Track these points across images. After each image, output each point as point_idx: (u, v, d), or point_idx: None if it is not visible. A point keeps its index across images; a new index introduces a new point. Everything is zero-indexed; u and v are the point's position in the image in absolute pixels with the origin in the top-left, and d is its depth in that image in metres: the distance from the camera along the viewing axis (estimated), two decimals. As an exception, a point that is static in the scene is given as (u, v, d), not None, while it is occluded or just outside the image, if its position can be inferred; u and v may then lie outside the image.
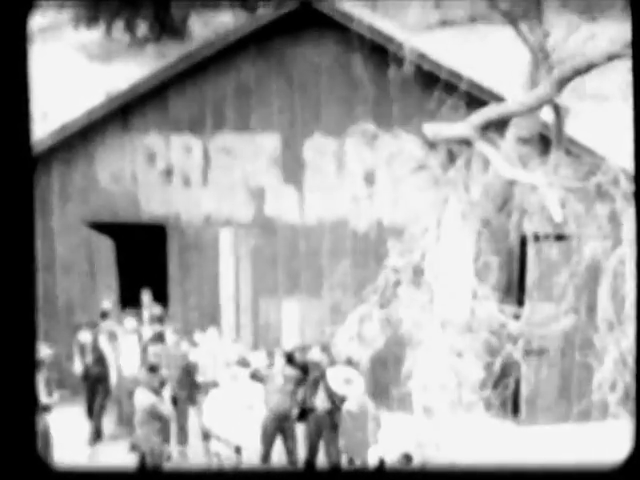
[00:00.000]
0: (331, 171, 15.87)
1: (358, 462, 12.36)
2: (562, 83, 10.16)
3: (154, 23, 26.57)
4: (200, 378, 14.44)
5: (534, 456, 13.40)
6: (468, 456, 10.72)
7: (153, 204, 16.58)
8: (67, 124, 16.51)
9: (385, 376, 14.91)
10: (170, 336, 14.76)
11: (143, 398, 12.63)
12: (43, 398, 12.82)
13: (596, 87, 15.98)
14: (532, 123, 12.28)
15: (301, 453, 13.72)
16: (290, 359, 13.90)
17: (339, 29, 15.08)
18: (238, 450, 12.79)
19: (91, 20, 25.97)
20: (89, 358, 14.91)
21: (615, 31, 9.37)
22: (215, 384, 13.22)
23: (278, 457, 13.72)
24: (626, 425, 7.62)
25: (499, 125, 10.98)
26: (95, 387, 15.01)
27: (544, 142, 12.34)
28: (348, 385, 12.73)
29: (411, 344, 10.45)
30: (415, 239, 10.44)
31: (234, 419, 12.76)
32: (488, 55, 21.56)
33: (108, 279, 17.16)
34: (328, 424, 13.24)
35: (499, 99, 13.01)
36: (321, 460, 13.62)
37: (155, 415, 12.57)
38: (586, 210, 9.99)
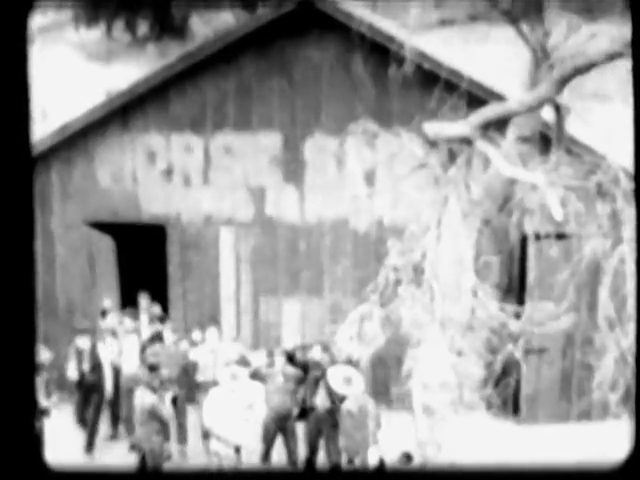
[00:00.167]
0: (331, 170, 15.87)
1: (358, 462, 12.36)
2: (562, 82, 10.15)
3: (154, 23, 26.56)
4: (200, 377, 14.44)
5: (534, 455, 13.40)
6: (469, 455, 10.72)
7: (153, 203, 16.58)
8: (67, 124, 16.50)
9: (385, 375, 14.91)
10: (168, 335, 14.77)
11: (144, 398, 12.62)
12: (41, 401, 12.81)
13: (596, 86, 15.99)
14: (533, 122, 12.30)
15: (301, 452, 13.73)
16: (290, 358, 13.90)
17: (339, 28, 15.07)
18: (238, 450, 12.79)
19: (91, 20, 25.95)
20: (86, 365, 14.60)
21: (615, 31, 9.37)
22: (215, 383, 13.22)
23: (278, 456, 13.73)
24: (626, 424, 7.62)
25: (500, 124, 10.97)
26: (89, 395, 14.69)
27: (545, 141, 12.35)
28: (348, 384, 12.73)
29: (411, 343, 10.45)
30: (415, 238, 10.44)
31: (234, 418, 12.76)
32: (489, 54, 21.57)
33: (108, 279, 17.17)
34: (328, 423, 13.24)
35: (500, 98, 13.00)
36: (321, 459, 13.63)
37: (155, 415, 12.58)
38: (587, 209, 9.97)
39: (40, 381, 12.75)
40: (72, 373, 14.69)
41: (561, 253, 13.20)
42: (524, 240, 14.76)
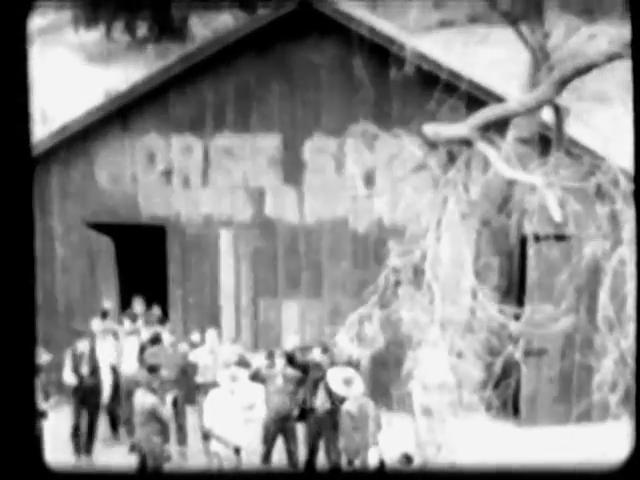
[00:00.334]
0: (331, 171, 15.87)
1: (358, 463, 12.36)
2: (562, 83, 10.16)
3: (154, 24, 26.57)
4: (200, 379, 14.44)
5: (534, 456, 13.39)
6: (468, 457, 10.70)
7: (153, 204, 16.58)
8: (67, 125, 16.50)
9: (385, 376, 14.90)
10: (167, 336, 14.76)
11: (144, 399, 12.62)
12: (39, 403, 12.76)
13: (596, 88, 15.99)
14: (532, 123, 12.32)
15: (302, 454, 13.72)
16: (290, 360, 13.90)
17: (339, 30, 15.07)
18: (238, 451, 12.78)
19: (91, 21, 25.96)
20: (85, 368, 14.21)
21: (615, 32, 9.38)
22: (215, 385, 13.22)
23: (278, 458, 13.72)
24: (626, 425, 7.61)
25: (499, 125, 10.98)
26: (87, 399, 14.32)
27: (544, 142, 12.35)
28: (348, 386, 12.72)
29: (411, 344, 10.45)
30: (415, 239, 10.44)
31: (234, 420, 12.76)
32: (488, 56, 21.57)
33: (108, 279, 17.17)
34: (328, 425, 13.24)
35: (499, 100, 13.01)
36: (321, 461, 13.62)
37: (155, 416, 12.57)
38: (586, 210, 9.99)
39: (38, 383, 12.68)
40: (69, 378, 14.25)
41: (560, 254, 13.21)
42: (523, 241, 14.75)
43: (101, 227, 16.94)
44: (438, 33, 23.83)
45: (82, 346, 14.28)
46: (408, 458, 11.71)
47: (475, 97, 14.21)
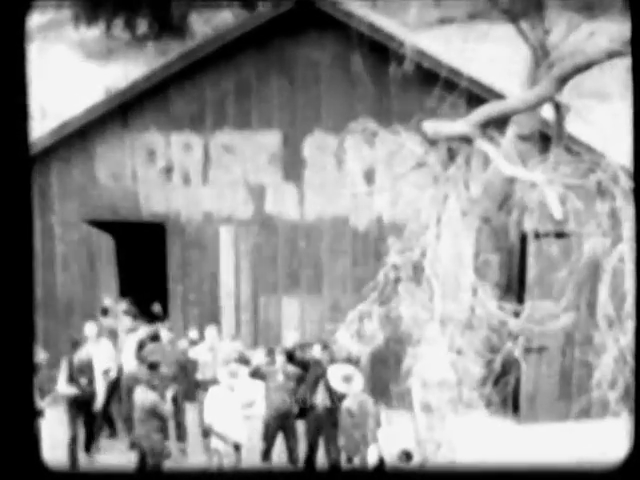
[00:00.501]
0: (331, 168, 15.86)
1: (357, 460, 12.36)
2: (562, 81, 10.15)
3: (154, 21, 26.58)
4: (200, 376, 14.44)
5: (534, 453, 13.40)
6: (468, 454, 10.71)
7: (153, 202, 16.58)
8: (67, 122, 16.50)
9: (385, 374, 14.90)
10: (165, 333, 14.75)
11: (144, 396, 12.62)
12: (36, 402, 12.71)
13: (596, 85, 15.97)
14: (532, 121, 12.27)
15: (302, 451, 13.73)
16: (290, 357, 13.90)
17: (339, 27, 15.07)
18: (237, 447, 12.79)
19: (91, 18, 25.97)
20: (82, 379, 13.84)
21: (615, 29, 9.36)
22: (215, 382, 13.22)
23: (278, 455, 13.73)
24: (626, 422, 7.62)
25: (499, 122, 10.97)
26: (82, 411, 13.95)
27: (544, 139, 12.33)
28: (348, 383, 12.73)
29: (411, 341, 10.45)
30: (415, 236, 10.43)
31: (234, 416, 12.76)
32: (488, 53, 21.56)
33: (108, 277, 17.17)
34: (328, 422, 13.24)
35: (499, 97, 13.01)
36: (321, 458, 13.63)
37: (155, 414, 12.57)
38: (586, 207, 9.97)
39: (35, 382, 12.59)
40: (65, 388, 13.83)
41: (560, 251, 13.20)
42: (523, 238, 14.76)
43: (101, 224, 16.94)
44: (438, 30, 23.83)
45: (78, 356, 13.91)
46: (408, 455, 11.71)
47: (475, 94, 14.21)
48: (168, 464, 12.86)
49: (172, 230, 16.59)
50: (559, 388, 15.34)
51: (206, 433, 13.30)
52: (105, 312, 15.96)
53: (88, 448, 14.32)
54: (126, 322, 15.40)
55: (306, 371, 13.78)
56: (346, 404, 12.47)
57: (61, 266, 17.04)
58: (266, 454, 13.57)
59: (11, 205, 6.36)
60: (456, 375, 10.25)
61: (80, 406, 13.93)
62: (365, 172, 15.62)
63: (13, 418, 6.25)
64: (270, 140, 16.02)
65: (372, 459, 12.16)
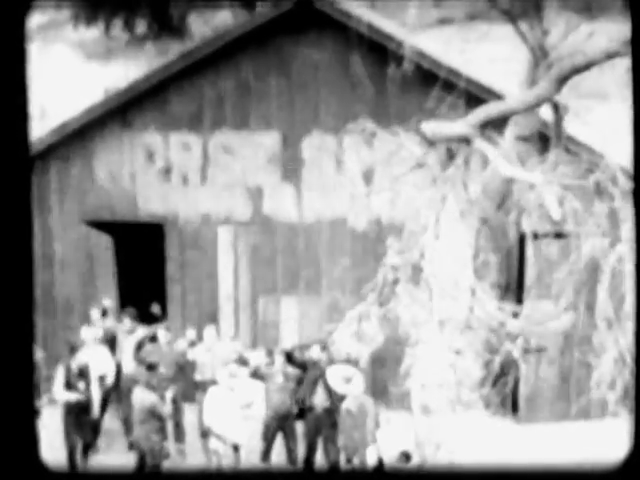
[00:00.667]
0: (330, 169, 15.87)
1: (357, 461, 12.36)
2: (561, 81, 10.14)
3: (153, 21, 26.55)
4: (198, 376, 14.43)
5: (533, 454, 13.40)
6: (467, 454, 10.71)
7: (152, 202, 16.57)
8: (66, 122, 16.50)
9: (384, 374, 14.90)
10: (163, 334, 14.74)
11: (143, 397, 12.61)
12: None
13: (595, 85, 15.99)
14: (531, 121, 12.28)
15: (301, 451, 13.73)
16: (289, 358, 13.90)
17: (338, 27, 15.07)
18: (236, 448, 12.79)
19: (90, 18, 25.96)
20: (81, 383, 13.54)
21: (614, 29, 9.36)
22: (214, 382, 13.22)
23: (277, 455, 13.73)
24: (625, 423, 7.62)
25: (498, 123, 10.97)
26: (80, 418, 13.60)
27: (543, 140, 12.33)
28: (348, 384, 12.73)
29: (410, 342, 10.44)
30: (414, 237, 10.42)
31: (233, 417, 12.76)
32: (487, 53, 21.57)
33: (107, 277, 17.16)
34: (327, 422, 13.24)
35: (498, 97, 13.00)
36: (320, 459, 13.62)
37: (154, 414, 12.56)
38: (585, 208, 9.96)
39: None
40: (62, 394, 13.53)
41: (559, 252, 13.21)
42: (522, 239, 14.76)
43: (100, 225, 16.93)
44: (437, 30, 23.82)
45: (75, 361, 13.63)
46: (407, 456, 11.72)
47: (474, 94, 14.21)
48: (167, 465, 12.85)
49: (170, 230, 16.58)
50: (558, 389, 15.34)
51: (205, 434, 13.30)
52: (105, 313, 15.94)
53: (85, 454, 14.10)
54: (126, 323, 15.36)
55: (305, 372, 13.77)
56: (345, 405, 12.47)
57: (59, 266, 17.04)
58: (265, 455, 13.57)
59: (11, 205, 6.35)
60: (455, 376, 10.24)
61: (77, 413, 13.62)
62: (364, 172, 15.61)
63: (12, 418, 6.25)
64: (269, 140, 16.02)
65: (371, 460, 12.16)
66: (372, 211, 15.67)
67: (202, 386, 13.99)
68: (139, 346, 14.77)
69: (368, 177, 15.61)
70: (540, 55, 11.97)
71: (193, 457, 14.07)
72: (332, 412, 13.11)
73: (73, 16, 25.99)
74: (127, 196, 16.63)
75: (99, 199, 16.75)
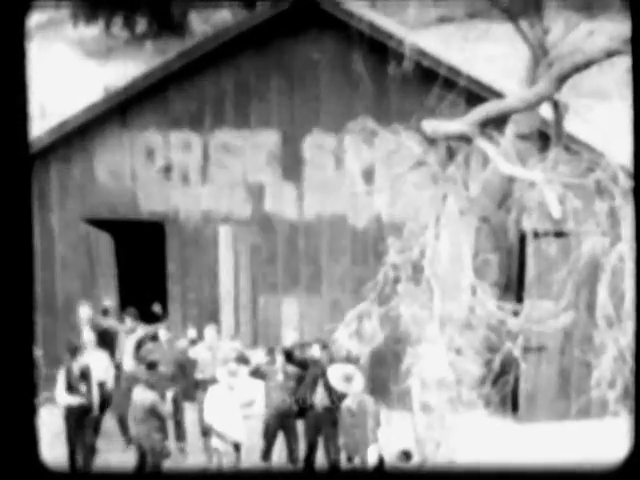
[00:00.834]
0: (330, 168, 15.86)
1: (357, 460, 12.36)
2: (561, 80, 10.14)
3: (153, 20, 26.56)
4: (199, 375, 14.43)
5: (533, 453, 13.40)
6: (467, 453, 10.71)
7: (152, 201, 16.56)
8: (66, 121, 16.48)
9: (384, 373, 14.89)
10: (163, 333, 14.74)
11: (143, 396, 12.60)
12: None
13: (595, 84, 15.98)
14: (531, 120, 12.30)
15: (301, 450, 13.72)
16: (288, 356, 13.89)
17: (338, 26, 15.05)
18: (237, 447, 12.79)
19: (90, 17, 25.95)
20: (83, 386, 13.37)
21: (614, 28, 9.36)
22: (214, 381, 13.22)
23: (278, 454, 13.73)
24: (625, 422, 7.62)
25: (498, 122, 10.97)
26: (81, 422, 13.45)
27: (543, 139, 12.34)
28: (348, 382, 12.72)
29: (410, 341, 10.44)
30: (414, 236, 10.42)
31: (234, 416, 12.76)
32: (487, 52, 21.56)
33: (107, 276, 17.16)
34: (327, 421, 13.24)
35: (498, 96, 12.99)
36: (321, 458, 13.62)
37: (155, 413, 12.56)
38: (585, 207, 9.96)
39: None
40: (64, 398, 13.40)
41: (559, 251, 13.20)
42: (523, 238, 14.75)
43: (100, 223, 16.93)
44: (437, 29, 23.82)
45: (77, 364, 13.45)
46: (407, 455, 11.72)
47: (474, 93, 14.20)
48: (167, 464, 12.85)
49: (171, 229, 16.58)
50: (558, 388, 15.34)
51: (206, 432, 13.30)
52: (106, 312, 15.93)
53: (88, 457, 13.96)
54: (127, 323, 15.35)
55: (305, 370, 13.77)
56: (346, 403, 12.47)
57: (60, 265, 17.03)
58: (266, 453, 13.57)
59: (11, 204, 6.35)
60: (455, 375, 10.25)
61: (79, 416, 13.48)
62: (364, 171, 15.60)
63: (12, 418, 6.25)
64: (269, 139, 16.01)
65: (372, 458, 12.16)
66: (372, 210, 15.66)
67: (203, 385, 13.99)
68: (139, 345, 14.76)
69: (368, 176, 15.60)
70: (540, 53, 11.98)
71: (194, 456, 14.07)
72: (333, 411, 13.10)
73: (73, 14, 25.98)
74: (127, 195, 16.62)
75: (99, 198, 16.74)
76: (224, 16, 25.65)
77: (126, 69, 22.16)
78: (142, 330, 15.23)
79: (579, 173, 10.02)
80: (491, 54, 21.27)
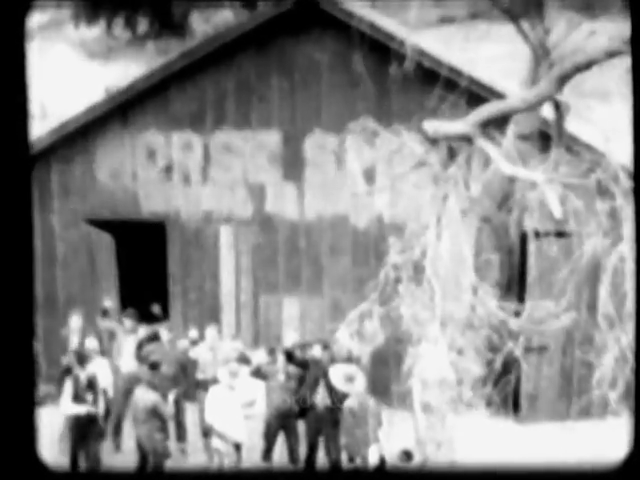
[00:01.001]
0: (331, 168, 15.87)
1: (358, 460, 12.35)
2: (562, 80, 10.13)
3: (154, 20, 26.58)
4: (200, 375, 14.43)
5: (534, 453, 13.40)
6: (468, 453, 10.71)
7: (153, 201, 16.58)
8: (67, 121, 16.50)
9: (385, 373, 14.90)
10: (164, 333, 14.74)
11: (145, 397, 12.58)
12: None
13: (596, 84, 15.98)
14: (532, 120, 12.30)
15: (302, 450, 13.72)
16: (290, 356, 13.89)
17: (340, 26, 15.06)
18: (238, 447, 12.78)
19: (91, 17, 25.97)
20: (89, 395, 12.99)
21: (615, 28, 9.35)
22: (215, 381, 13.21)
23: (279, 454, 13.72)
24: (626, 422, 7.62)
25: (499, 122, 10.95)
26: (87, 432, 13.07)
27: (544, 139, 12.33)
28: (350, 382, 12.72)
29: (411, 341, 10.44)
30: (415, 236, 10.42)
31: (235, 416, 12.76)
32: (489, 52, 21.56)
33: (108, 276, 17.17)
34: (328, 422, 13.23)
35: (500, 96, 12.99)
36: (322, 458, 13.61)
37: (157, 414, 12.55)
38: (586, 207, 9.96)
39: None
40: (72, 408, 13.03)
41: (561, 251, 13.19)
42: (524, 238, 14.74)
43: (101, 224, 16.94)
44: (438, 29, 23.81)
45: (84, 373, 13.11)
46: (408, 455, 11.72)
47: (475, 93, 14.19)
48: (168, 464, 12.85)
49: (172, 229, 16.59)
50: (559, 388, 15.33)
51: (206, 433, 13.29)
52: (105, 313, 15.91)
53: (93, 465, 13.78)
54: (126, 324, 15.32)
55: (306, 370, 13.77)
56: (348, 404, 12.46)
57: (61, 265, 17.04)
58: (267, 454, 13.56)
59: (11, 204, 6.35)
60: (456, 375, 10.24)
61: (85, 426, 13.14)
62: (365, 171, 15.61)
63: (12, 418, 6.25)
64: (270, 139, 16.02)
65: (373, 459, 12.15)
66: (374, 210, 15.68)
67: (204, 385, 13.98)
68: (139, 346, 14.75)
69: (370, 176, 15.61)
70: (541, 54, 11.99)
71: (194, 456, 14.06)
72: (334, 411, 13.10)
73: (74, 15, 26.01)
74: (128, 195, 16.64)
75: (100, 198, 16.76)
76: (225, 16, 25.65)
77: (127, 69, 22.17)
78: (143, 331, 15.23)
79: (580, 173, 10.01)
80: (492, 54, 21.26)
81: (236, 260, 16.46)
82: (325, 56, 15.60)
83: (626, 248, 9.41)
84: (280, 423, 13.54)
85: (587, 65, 9.90)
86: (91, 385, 13.09)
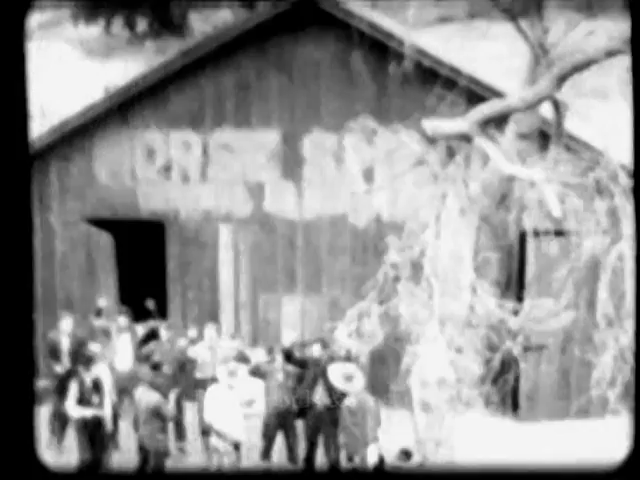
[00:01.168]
0: (330, 167, 15.87)
1: (357, 459, 12.35)
2: (561, 79, 10.14)
3: (153, 19, 26.58)
4: (199, 374, 14.42)
5: (533, 452, 13.40)
6: (467, 452, 10.72)
7: (152, 200, 16.57)
8: (66, 120, 16.49)
9: (384, 372, 14.89)
10: (164, 332, 14.73)
11: (147, 397, 12.55)
12: None
13: (595, 83, 16.00)
14: (532, 119, 12.28)
15: (301, 450, 13.72)
16: (289, 355, 13.89)
17: (339, 25, 15.06)
18: (237, 446, 12.78)
19: (90, 16, 25.98)
20: (96, 397, 12.80)
21: (614, 28, 9.36)
22: (214, 380, 13.21)
23: (278, 453, 13.72)
24: (625, 421, 7.62)
25: (499, 121, 10.97)
26: (95, 435, 12.89)
27: (543, 138, 12.33)
28: (349, 381, 12.71)
29: (410, 340, 10.44)
30: (414, 235, 10.42)
31: (234, 415, 12.76)
32: (488, 51, 21.57)
33: (107, 275, 17.16)
34: (327, 421, 13.23)
35: (499, 95, 12.99)
36: (321, 457, 13.61)
37: (159, 414, 12.53)
38: (585, 206, 9.97)
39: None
40: (78, 411, 12.81)
41: (560, 250, 13.21)
42: (523, 237, 14.75)
43: (100, 223, 16.93)
44: (438, 28, 23.82)
45: (90, 375, 12.91)
46: (407, 454, 11.71)
47: (474, 92, 14.21)
48: (167, 463, 12.84)
49: (171, 228, 16.58)
50: (558, 387, 15.34)
51: (206, 432, 13.29)
52: (99, 313, 15.83)
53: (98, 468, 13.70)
54: (120, 322, 15.24)
55: (305, 370, 13.77)
56: (346, 403, 12.46)
57: (60, 264, 17.04)
58: (266, 453, 13.56)
59: (11, 203, 6.36)
60: (455, 374, 10.25)
61: (92, 428, 12.94)
62: (364, 170, 15.62)
63: (12, 418, 6.25)
64: (269, 138, 16.02)
65: (372, 458, 12.15)
66: (372, 209, 15.69)
67: (203, 384, 13.97)
68: (139, 345, 14.74)
69: (368, 175, 15.62)
70: (540, 53, 11.98)
71: (194, 455, 14.07)
72: (333, 410, 13.10)
73: (73, 14, 26.01)
74: (127, 194, 16.63)
75: (99, 197, 16.75)
76: (224, 16, 25.65)
77: (126, 69, 22.16)
78: (141, 329, 15.21)
79: (579, 172, 10.02)
80: (491, 54, 21.28)
81: (235, 259, 16.46)
82: (324, 55, 15.60)
83: (625, 247, 9.42)
84: (279, 422, 13.54)
85: (586, 64, 9.91)
86: (96, 388, 12.93)
